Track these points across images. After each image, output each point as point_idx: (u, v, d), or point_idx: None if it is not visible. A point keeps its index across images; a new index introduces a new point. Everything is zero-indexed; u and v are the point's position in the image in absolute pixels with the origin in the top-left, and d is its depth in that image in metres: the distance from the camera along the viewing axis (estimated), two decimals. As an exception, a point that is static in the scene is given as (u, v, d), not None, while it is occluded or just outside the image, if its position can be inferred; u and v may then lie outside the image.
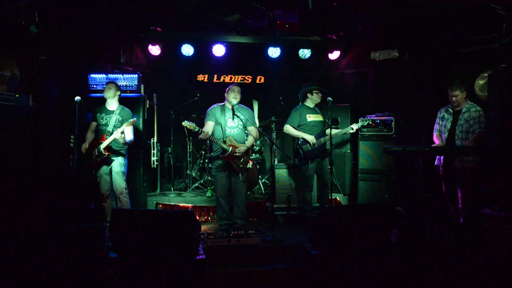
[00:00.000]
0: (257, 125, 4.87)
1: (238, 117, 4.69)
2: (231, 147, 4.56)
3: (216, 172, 4.69)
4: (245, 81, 7.52)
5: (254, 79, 7.56)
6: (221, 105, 4.76)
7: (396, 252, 3.64)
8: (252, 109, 4.98)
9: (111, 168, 4.72)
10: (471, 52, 5.52)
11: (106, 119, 4.73)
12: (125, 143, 4.70)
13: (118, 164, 4.72)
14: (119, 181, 4.70)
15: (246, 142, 4.86)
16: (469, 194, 4.51)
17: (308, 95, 5.08)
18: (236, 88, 4.69)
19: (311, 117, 5.05)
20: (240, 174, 4.70)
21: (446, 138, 4.70)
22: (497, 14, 4.54)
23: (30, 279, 3.00)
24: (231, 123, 4.69)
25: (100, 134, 4.72)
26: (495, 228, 3.48)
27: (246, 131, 4.95)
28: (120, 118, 4.71)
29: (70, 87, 5.40)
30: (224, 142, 4.57)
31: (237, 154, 4.58)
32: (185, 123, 4.45)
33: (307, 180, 5.08)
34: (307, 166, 5.01)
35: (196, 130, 4.45)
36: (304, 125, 5.03)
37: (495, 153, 3.66)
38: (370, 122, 5.56)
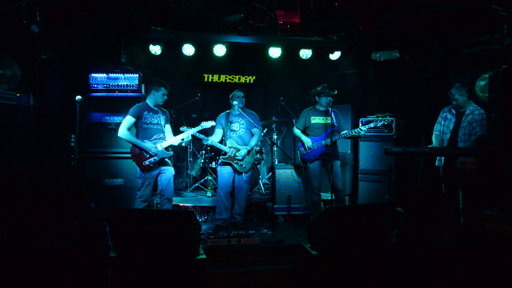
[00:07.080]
0: (261, 127, 5.05)
1: (242, 120, 5.00)
2: (231, 149, 4.84)
3: (221, 166, 4.95)
4: (246, 81, 7.51)
5: (254, 79, 7.55)
6: (227, 111, 5.10)
7: (396, 253, 3.64)
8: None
9: (160, 171, 4.54)
10: (472, 53, 5.52)
11: (156, 118, 4.63)
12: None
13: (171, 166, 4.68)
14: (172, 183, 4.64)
15: (249, 143, 4.99)
16: (470, 196, 4.50)
17: (316, 97, 5.13)
18: (240, 94, 5.04)
19: (315, 119, 5.11)
20: (243, 174, 4.90)
21: (448, 139, 4.67)
22: (498, 15, 4.53)
23: (31, 279, 3.00)
24: (234, 127, 5.00)
25: (152, 133, 4.58)
26: (495, 229, 3.47)
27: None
28: (165, 118, 4.73)
29: (71, 87, 5.41)
30: (225, 144, 4.91)
31: (238, 156, 4.82)
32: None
33: (310, 181, 5.10)
34: (308, 167, 5.06)
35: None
36: (309, 127, 5.13)
37: (496, 154, 3.66)
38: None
